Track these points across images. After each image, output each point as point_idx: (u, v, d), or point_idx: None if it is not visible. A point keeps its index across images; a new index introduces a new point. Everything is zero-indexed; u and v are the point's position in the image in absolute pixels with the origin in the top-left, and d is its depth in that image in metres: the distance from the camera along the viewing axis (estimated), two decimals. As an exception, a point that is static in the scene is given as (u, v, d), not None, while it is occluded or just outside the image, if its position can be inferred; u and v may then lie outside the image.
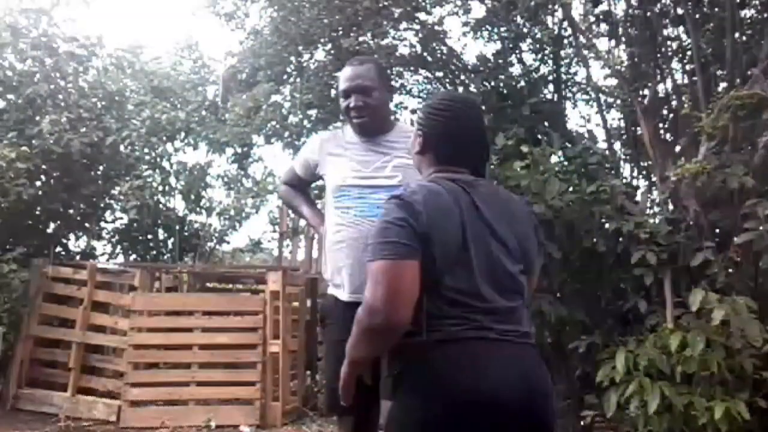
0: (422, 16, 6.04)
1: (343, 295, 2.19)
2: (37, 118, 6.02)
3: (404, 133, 2.22)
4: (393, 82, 6.48)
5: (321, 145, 2.39)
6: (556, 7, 5.28)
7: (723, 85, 4.60)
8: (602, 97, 5.63)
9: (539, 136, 4.93)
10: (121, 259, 7.02)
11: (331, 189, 2.29)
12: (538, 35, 5.97)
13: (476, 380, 1.50)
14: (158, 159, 7.10)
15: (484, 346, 1.54)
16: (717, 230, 4.34)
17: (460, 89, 6.32)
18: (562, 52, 6.07)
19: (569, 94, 6.34)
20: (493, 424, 1.50)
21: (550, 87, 6.03)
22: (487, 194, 1.65)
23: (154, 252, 7.10)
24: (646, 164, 5.26)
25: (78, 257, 6.46)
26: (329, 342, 2.45)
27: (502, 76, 5.73)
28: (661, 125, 5.12)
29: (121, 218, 7.00)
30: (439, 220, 1.54)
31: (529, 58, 6.22)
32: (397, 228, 1.51)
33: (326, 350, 2.65)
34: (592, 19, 5.43)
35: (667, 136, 5.15)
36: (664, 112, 5.23)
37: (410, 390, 1.54)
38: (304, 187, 2.59)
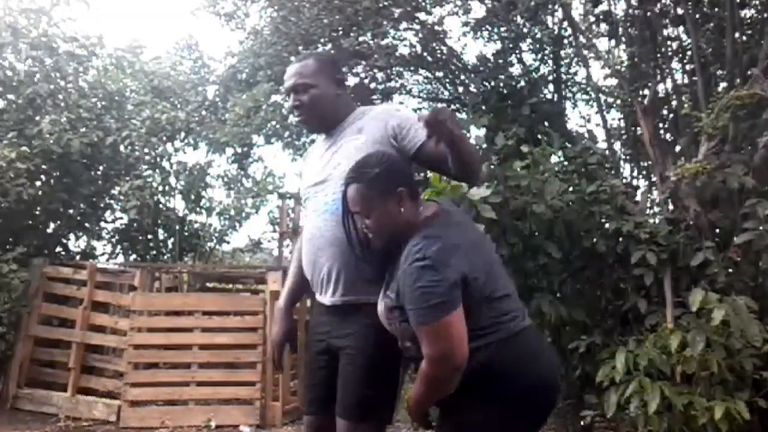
0: (422, 16, 6.05)
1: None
2: (37, 118, 6.02)
3: (359, 114, 2.14)
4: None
5: (306, 157, 2.34)
6: (556, 7, 5.29)
7: (723, 85, 4.61)
8: (602, 97, 5.63)
9: (539, 136, 4.93)
10: (121, 259, 7.02)
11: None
12: (538, 35, 5.97)
13: (539, 367, 1.77)
14: (158, 159, 7.09)
15: (529, 333, 1.80)
16: (717, 230, 4.34)
17: (460, 89, 6.33)
18: (562, 52, 6.08)
19: (569, 94, 6.35)
20: (550, 401, 1.81)
21: (550, 87, 6.04)
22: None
23: (154, 252, 7.09)
24: (646, 164, 5.27)
25: (78, 257, 6.46)
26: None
27: (502, 76, 5.73)
28: (661, 125, 5.12)
29: (121, 218, 7.00)
30: (462, 257, 1.69)
31: (529, 58, 6.24)
32: (431, 290, 1.63)
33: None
34: (592, 19, 5.43)
35: (667, 136, 5.15)
36: (664, 112, 5.23)
37: (483, 393, 1.71)
38: None
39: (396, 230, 1.79)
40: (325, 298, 2.06)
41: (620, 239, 4.16)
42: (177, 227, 7.02)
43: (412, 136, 2.00)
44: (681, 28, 5.14)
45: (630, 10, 5.17)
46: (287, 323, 2.25)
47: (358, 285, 1.96)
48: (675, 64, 5.21)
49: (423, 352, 1.66)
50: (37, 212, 6.17)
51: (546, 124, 5.45)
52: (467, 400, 1.71)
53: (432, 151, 1.91)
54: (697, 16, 4.95)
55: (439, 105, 6.85)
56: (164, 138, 6.92)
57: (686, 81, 5.11)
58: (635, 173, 5.42)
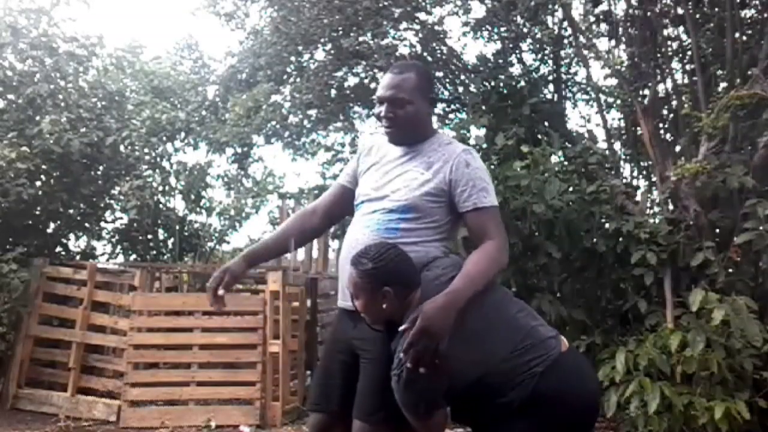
0: (422, 16, 6.05)
1: (340, 302, 2.20)
2: (37, 118, 6.02)
3: (438, 144, 2.12)
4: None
5: (366, 147, 2.29)
6: (556, 7, 5.28)
7: (723, 85, 4.61)
8: (602, 97, 5.63)
9: (539, 136, 4.93)
10: (121, 259, 7.01)
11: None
12: (538, 35, 5.97)
13: (584, 389, 1.86)
14: (158, 159, 7.09)
15: (567, 357, 1.86)
16: (717, 230, 4.34)
17: (460, 89, 6.32)
18: (562, 52, 6.07)
19: (569, 94, 6.35)
20: (595, 416, 1.92)
21: (550, 87, 6.03)
22: (432, 289, 1.89)
23: (154, 252, 7.09)
24: (646, 164, 5.27)
25: (78, 257, 6.45)
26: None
27: (502, 76, 5.72)
28: (661, 125, 5.12)
29: (121, 218, 6.99)
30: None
31: (529, 58, 6.23)
32: (410, 403, 1.82)
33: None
34: (592, 19, 5.43)
35: (667, 136, 5.15)
36: (664, 112, 5.23)
37: (535, 421, 1.77)
38: (337, 206, 2.32)
39: (378, 319, 1.91)
40: (349, 303, 2.07)
41: (620, 239, 4.16)
42: (177, 227, 7.01)
43: (464, 200, 2.02)
44: (681, 28, 5.14)
45: (630, 10, 5.17)
46: (235, 263, 2.25)
47: None
48: (675, 64, 5.21)
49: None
50: (37, 212, 6.17)
51: (546, 124, 5.45)
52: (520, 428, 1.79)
53: (471, 224, 2.01)
54: (697, 16, 4.96)
55: (439, 105, 6.86)
56: (164, 138, 6.92)
57: (686, 81, 5.11)
58: (635, 173, 5.42)
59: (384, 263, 1.87)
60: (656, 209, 4.72)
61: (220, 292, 2.20)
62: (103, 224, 7.01)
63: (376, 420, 1.97)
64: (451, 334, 1.77)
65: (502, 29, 6.10)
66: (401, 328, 1.76)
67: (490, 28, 6.24)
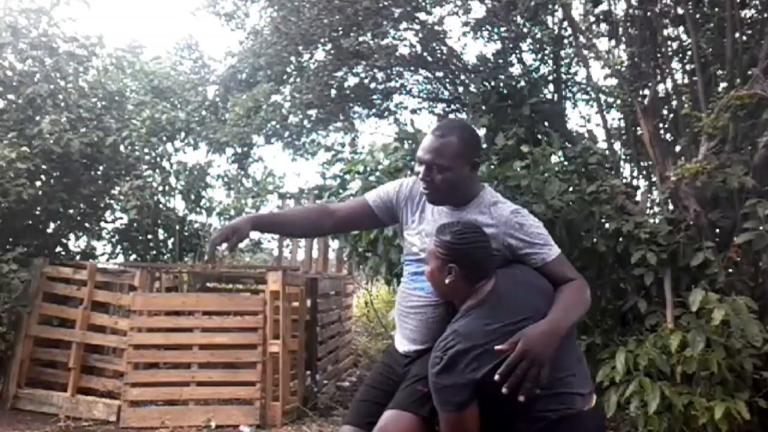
0: (422, 16, 6.04)
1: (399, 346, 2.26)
2: (37, 118, 6.02)
3: (484, 206, 2.11)
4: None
5: (408, 186, 2.25)
6: (556, 7, 5.27)
7: (723, 85, 4.60)
8: (602, 97, 5.62)
9: (539, 136, 4.93)
10: (121, 259, 7.01)
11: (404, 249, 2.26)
12: (538, 35, 5.96)
13: None
14: (158, 159, 7.09)
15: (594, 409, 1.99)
16: (717, 230, 4.34)
17: (460, 89, 6.32)
18: (562, 52, 6.06)
19: (569, 94, 6.33)
20: None
21: (550, 87, 6.02)
22: (507, 287, 1.92)
23: (154, 252, 7.09)
24: (646, 164, 5.26)
25: (78, 257, 6.46)
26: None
27: (502, 76, 5.72)
28: (661, 125, 5.11)
29: (121, 218, 6.99)
30: (478, 362, 1.78)
31: (529, 58, 6.22)
32: (442, 389, 1.82)
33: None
34: (592, 19, 5.42)
35: (667, 136, 5.15)
36: (664, 112, 5.23)
37: None
38: (354, 219, 2.36)
39: (439, 290, 2.01)
40: (403, 348, 2.21)
41: (620, 239, 4.16)
42: (177, 227, 7.01)
43: (530, 259, 2.03)
44: (681, 28, 5.14)
45: (630, 10, 5.16)
46: (243, 223, 2.21)
47: (430, 340, 2.06)
48: (675, 64, 5.21)
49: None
50: (37, 212, 6.17)
51: (546, 124, 5.44)
52: None
53: (551, 273, 2.00)
54: (697, 16, 4.95)
55: (439, 105, 6.86)
56: (164, 138, 6.92)
57: (686, 81, 5.10)
58: (635, 173, 5.41)
59: (461, 242, 1.93)
60: (656, 209, 4.71)
61: (224, 249, 2.16)
62: (103, 224, 7.02)
63: (406, 408, 2.03)
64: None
65: (502, 29, 6.09)
66: (497, 348, 1.76)
67: (490, 28, 6.23)
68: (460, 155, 2.06)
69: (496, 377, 1.73)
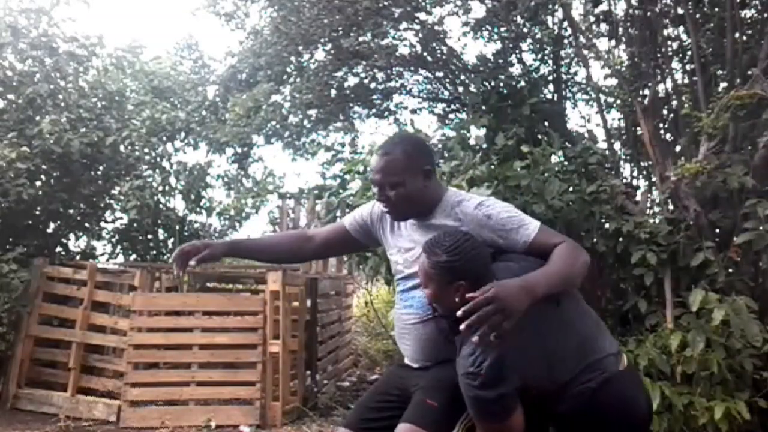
0: (422, 16, 6.03)
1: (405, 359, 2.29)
2: (37, 118, 6.02)
3: (449, 208, 2.10)
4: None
5: (377, 207, 2.25)
6: (556, 7, 5.27)
7: (723, 85, 4.60)
8: (602, 97, 5.62)
9: (539, 136, 4.93)
10: (121, 259, 7.01)
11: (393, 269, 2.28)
12: (538, 35, 5.96)
13: (638, 400, 1.92)
14: (158, 159, 7.09)
15: (623, 377, 1.92)
16: (717, 230, 4.34)
17: (460, 89, 6.32)
18: (562, 52, 6.06)
19: (569, 94, 6.33)
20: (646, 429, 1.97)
21: (550, 87, 6.02)
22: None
23: (154, 252, 7.09)
24: (646, 164, 5.26)
25: (78, 257, 6.45)
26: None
27: (502, 76, 5.72)
28: (661, 125, 5.11)
29: (121, 218, 6.99)
30: (516, 367, 1.77)
31: (529, 58, 6.22)
32: (485, 405, 1.78)
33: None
34: (592, 19, 5.42)
35: (667, 136, 5.15)
36: (664, 112, 5.22)
37: (592, 423, 1.83)
38: (332, 245, 2.40)
39: (450, 310, 1.84)
40: (413, 364, 2.24)
41: (620, 239, 4.16)
42: (177, 227, 7.01)
43: (513, 245, 2.00)
44: (681, 28, 5.14)
45: (630, 10, 5.17)
46: (219, 245, 2.36)
47: (434, 355, 2.11)
48: (675, 64, 5.21)
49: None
50: (37, 212, 6.17)
51: (546, 124, 5.45)
52: None
53: (538, 248, 1.97)
54: (697, 16, 4.95)
55: (439, 105, 6.86)
56: (164, 138, 6.92)
57: (686, 81, 5.10)
58: (635, 173, 5.41)
59: (458, 257, 1.87)
60: (656, 209, 4.71)
61: (192, 262, 2.32)
62: (103, 224, 7.02)
63: (424, 423, 2.02)
64: (526, 344, 1.78)
65: (502, 29, 6.09)
66: (468, 295, 1.70)
67: (490, 28, 6.23)
68: (408, 168, 2.06)
69: (459, 313, 1.67)
